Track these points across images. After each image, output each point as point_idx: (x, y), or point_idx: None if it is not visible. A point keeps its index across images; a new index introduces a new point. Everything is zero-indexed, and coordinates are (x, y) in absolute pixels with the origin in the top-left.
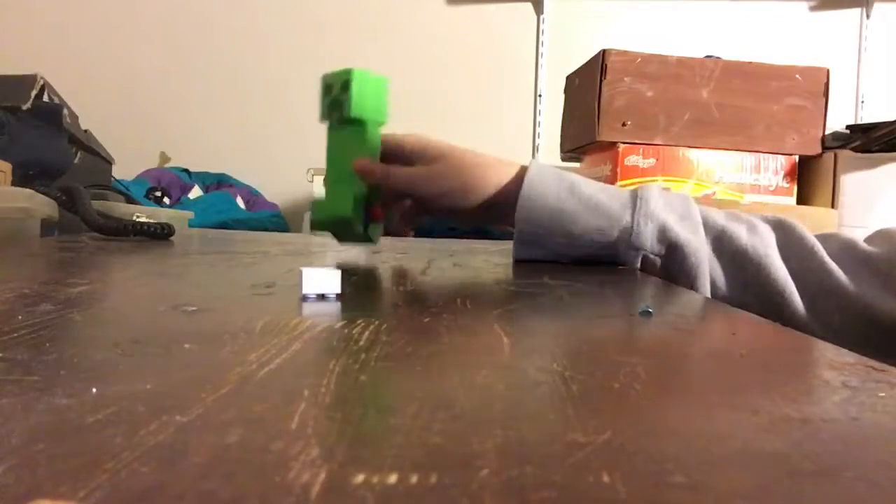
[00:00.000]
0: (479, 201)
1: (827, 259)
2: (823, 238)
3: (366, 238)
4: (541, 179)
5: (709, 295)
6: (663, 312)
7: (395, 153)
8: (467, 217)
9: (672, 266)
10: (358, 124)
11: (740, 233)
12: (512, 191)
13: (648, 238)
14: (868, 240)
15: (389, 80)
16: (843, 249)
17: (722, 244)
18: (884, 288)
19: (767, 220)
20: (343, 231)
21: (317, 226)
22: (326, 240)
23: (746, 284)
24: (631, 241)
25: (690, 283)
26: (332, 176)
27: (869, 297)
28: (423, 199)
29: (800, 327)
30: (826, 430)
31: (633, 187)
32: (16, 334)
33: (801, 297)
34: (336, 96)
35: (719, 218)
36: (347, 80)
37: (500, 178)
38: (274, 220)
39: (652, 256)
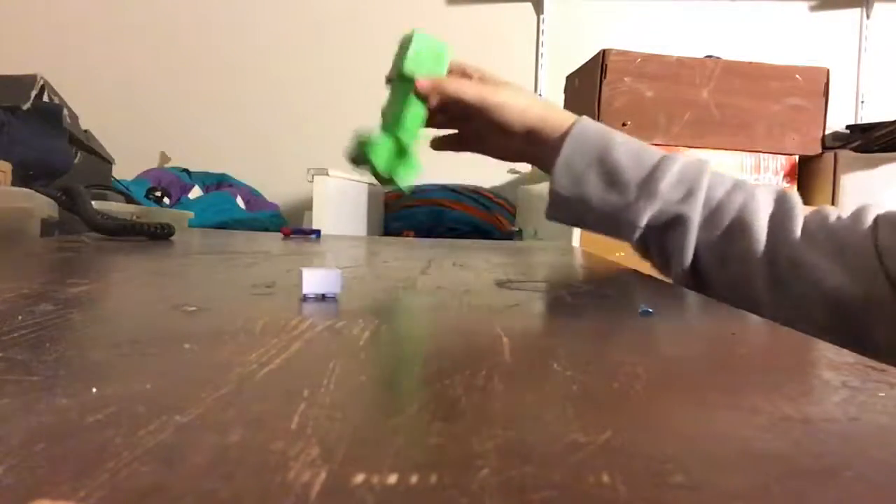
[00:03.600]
0: (530, 124)
1: (796, 234)
2: (817, 211)
3: (394, 185)
4: (582, 141)
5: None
6: (663, 312)
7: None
8: (510, 147)
9: (664, 237)
10: (410, 80)
11: (733, 203)
12: (556, 139)
13: (644, 219)
14: (853, 214)
15: (450, 46)
16: (820, 221)
17: (713, 219)
18: (833, 261)
19: (772, 192)
20: (369, 167)
21: (350, 159)
22: (326, 240)
23: (725, 253)
24: (630, 220)
25: (677, 253)
26: (384, 122)
27: (819, 269)
28: (479, 111)
29: (760, 299)
30: (826, 430)
31: (664, 154)
32: (16, 334)
33: (770, 265)
34: (399, 54)
35: (720, 190)
36: (409, 38)
37: (551, 114)
38: (274, 220)
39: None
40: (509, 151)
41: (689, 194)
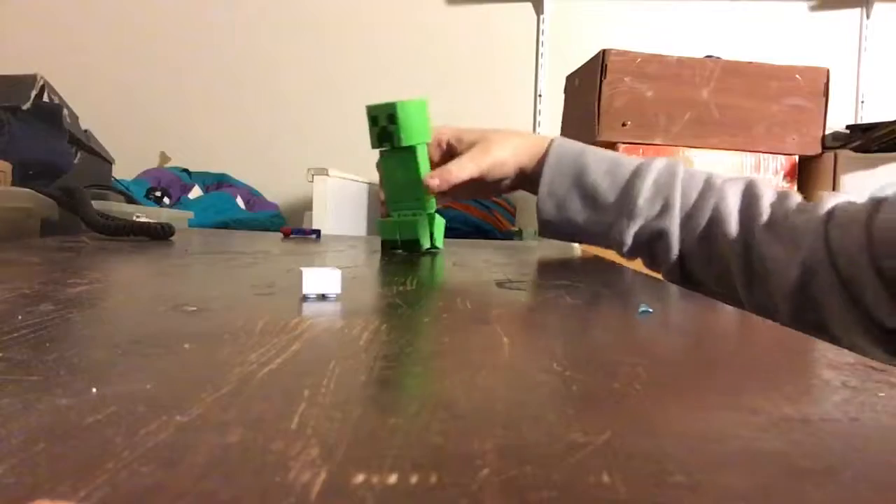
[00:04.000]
0: (521, 165)
1: (762, 221)
2: (784, 197)
3: (434, 248)
4: (559, 167)
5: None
6: (663, 312)
7: (435, 150)
8: (509, 187)
9: (650, 248)
10: (409, 149)
11: (706, 207)
12: (536, 169)
13: (630, 237)
14: (814, 206)
15: (428, 99)
16: (783, 212)
17: (689, 224)
18: (791, 255)
19: (739, 185)
20: (412, 247)
21: (387, 244)
22: (326, 240)
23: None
24: (616, 238)
25: (664, 259)
26: (394, 197)
27: (780, 264)
28: (476, 179)
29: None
30: (826, 430)
31: (637, 165)
32: (16, 334)
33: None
34: (384, 127)
35: (693, 195)
36: (393, 112)
37: (534, 148)
38: (274, 220)
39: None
40: (500, 192)
41: (665, 208)
